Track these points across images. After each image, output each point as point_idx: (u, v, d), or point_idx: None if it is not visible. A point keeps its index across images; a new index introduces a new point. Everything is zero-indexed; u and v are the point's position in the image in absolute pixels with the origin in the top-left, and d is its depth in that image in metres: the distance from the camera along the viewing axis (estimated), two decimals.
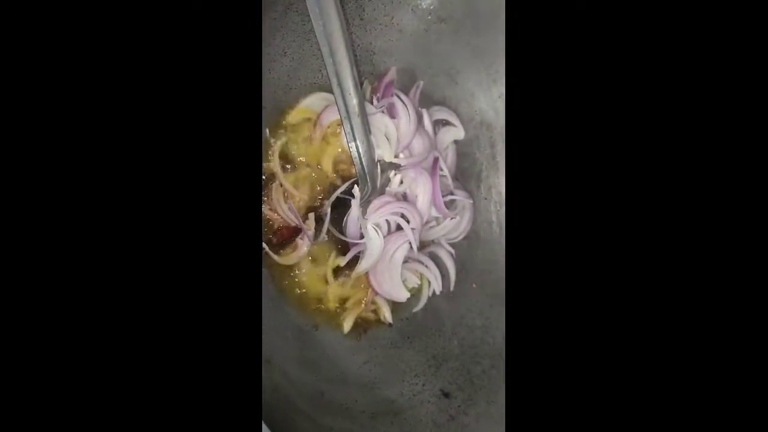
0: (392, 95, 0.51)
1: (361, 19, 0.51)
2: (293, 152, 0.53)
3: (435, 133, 0.55)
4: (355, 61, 0.48)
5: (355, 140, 0.48)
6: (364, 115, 0.48)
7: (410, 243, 0.52)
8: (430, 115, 0.54)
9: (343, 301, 0.54)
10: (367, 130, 0.49)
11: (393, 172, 0.52)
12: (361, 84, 0.52)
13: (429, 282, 0.55)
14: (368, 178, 0.50)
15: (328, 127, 0.52)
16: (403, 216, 0.53)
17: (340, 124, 0.49)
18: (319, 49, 0.45)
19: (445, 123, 0.56)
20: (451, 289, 0.56)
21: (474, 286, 0.57)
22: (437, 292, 0.55)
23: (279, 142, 0.52)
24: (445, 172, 0.54)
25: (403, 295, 0.53)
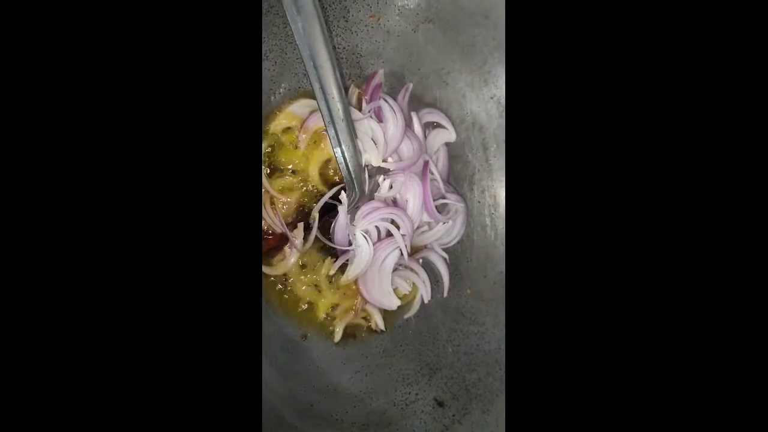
0: (379, 98, 0.48)
1: (346, 21, 0.48)
2: (279, 159, 0.49)
3: (425, 136, 0.51)
4: (339, 64, 0.44)
5: (340, 145, 0.45)
6: (349, 119, 0.45)
7: (401, 250, 0.49)
8: (419, 118, 0.51)
9: (333, 309, 0.50)
10: (352, 135, 0.46)
11: (382, 177, 0.49)
12: (347, 88, 0.49)
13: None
14: (355, 184, 0.47)
15: (317, 133, 0.49)
16: (393, 222, 0.49)
17: (325, 129, 0.45)
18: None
19: (436, 125, 0.52)
20: (445, 295, 0.53)
21: (469, 291, 0.53)
22: (426, 301, 0.51)
23: (263, 148, 0.49)
24: (436, 176, 0.50)
25: (393, 303, 0.49)
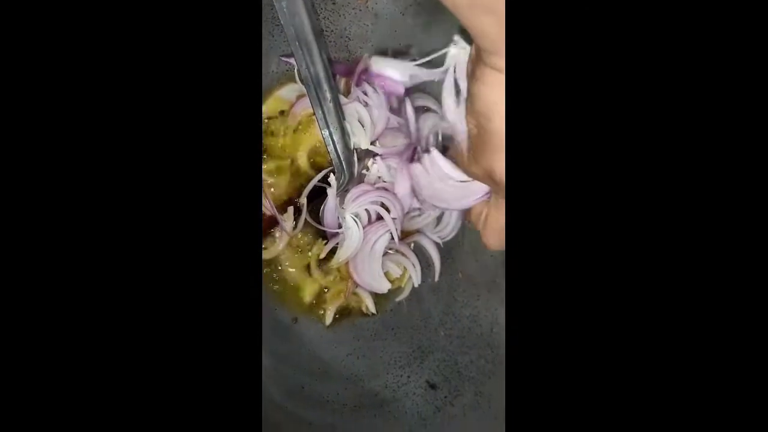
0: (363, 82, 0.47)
1: (334, 3, 0.47)
2: (268, 144, 0.49)
3: (416, 120, 0.50)
4: (326, 45, 0.43)
5: (328, 127, 0.44)
6: (336, 101, 0.44)
7: (391, 233, 0.48)
8: (411, 101, 0.50)
9: (324, 292, 0.50)
10: (340, 117, 0.45)
11: (371, 160, 0.48)
12: (335, 74, 0.48)
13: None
14: (344, 166, 0.46)
15: (305, 118, 0.48)
16: (383, 205, 0.48)
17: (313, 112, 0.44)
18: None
19: (426, 109, 0.51)
20: (436, 279, 0.52)
21: (460, 275, 0.53)
22: (416, 285, 0.51)
23: None
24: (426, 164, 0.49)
25: (384, 286, 0.49)
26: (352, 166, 0.47)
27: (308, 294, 0.49)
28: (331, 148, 0.45)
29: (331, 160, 0.46)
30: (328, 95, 0.43)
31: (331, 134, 0.45)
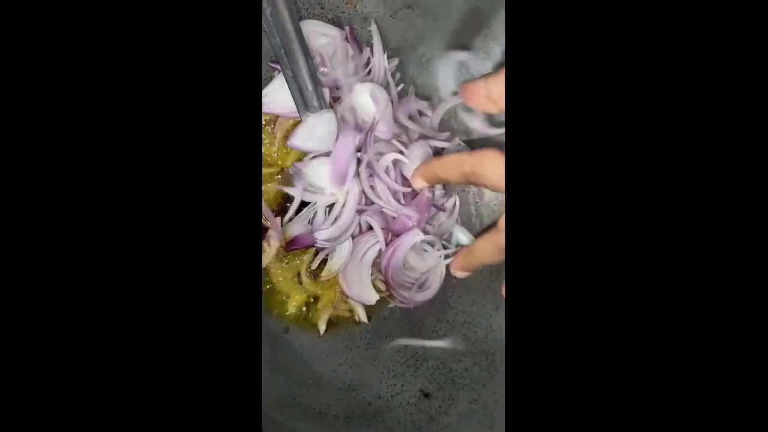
0: None
1: (322, 8, 0.45)
2: None
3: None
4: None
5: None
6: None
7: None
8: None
9: (315, 301, 0.48)
10: None
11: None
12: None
13: None
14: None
15: (293, 127, 0.47)
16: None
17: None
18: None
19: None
20: None
21: (454, 281, 0.51)
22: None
23: None
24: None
25: (373, 298, 0.47)
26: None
27: (299, 303, 0.48)
28: None
29: None
30: (315, 103, 0.41)
31: None
